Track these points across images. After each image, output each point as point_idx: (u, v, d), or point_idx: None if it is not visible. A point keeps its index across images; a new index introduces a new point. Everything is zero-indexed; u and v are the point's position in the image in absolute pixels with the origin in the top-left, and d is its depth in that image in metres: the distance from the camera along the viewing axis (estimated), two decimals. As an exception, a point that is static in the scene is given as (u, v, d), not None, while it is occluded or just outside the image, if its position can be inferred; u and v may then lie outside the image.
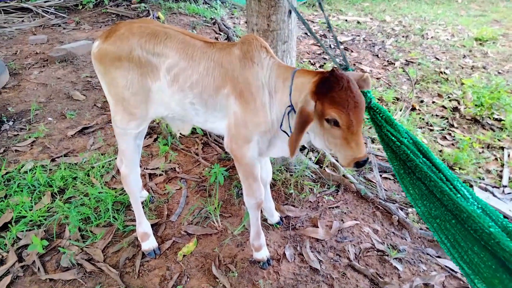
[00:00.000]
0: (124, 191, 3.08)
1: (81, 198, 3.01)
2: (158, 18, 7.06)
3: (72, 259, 2.52)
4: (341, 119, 1.61)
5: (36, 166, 3.35)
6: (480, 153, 4.05)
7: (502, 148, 4.13)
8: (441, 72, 6.16)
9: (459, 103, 5.13)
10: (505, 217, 1.64)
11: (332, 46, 7.37)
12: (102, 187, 3.12)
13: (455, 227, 1.47)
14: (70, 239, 2.69)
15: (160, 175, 3.38)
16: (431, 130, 4.48)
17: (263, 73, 1.94)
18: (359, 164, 1.68)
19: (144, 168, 3.40)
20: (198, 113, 2.13)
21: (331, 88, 1.60)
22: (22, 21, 7.16)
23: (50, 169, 3.37)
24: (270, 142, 2.11)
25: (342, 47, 7.37)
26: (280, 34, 2.67)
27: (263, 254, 2.49)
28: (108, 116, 4.29)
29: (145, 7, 7.76)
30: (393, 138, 1.72)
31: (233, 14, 8.79)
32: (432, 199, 1.57)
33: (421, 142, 1.69)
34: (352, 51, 7.14)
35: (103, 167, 3.41)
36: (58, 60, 5.54)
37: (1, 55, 5.73)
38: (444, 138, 4.37)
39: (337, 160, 3.51)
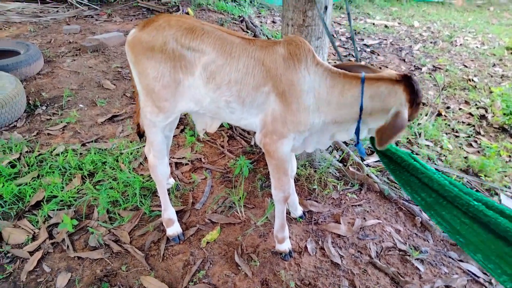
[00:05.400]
0: (151, 177, 3.17)
1: (110, 182, 3.11)
2: (187, 13, 7.19)
3: (100, 239, 2.61)
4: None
5: (67, 150, 3.47)
6: (507, 161, 3.99)
7: (530, 158, 4.06)
8: (469, 80, 6.08)
9: (486, 111, 5.06)
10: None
11: (359, 49, 7.35)
12: (130, 172, 3.22)
13: (446, 206, 1.77)
14: (98, 220, 2.78)
15: (186, 164, 3.46)
16: (457, 136, 4.43)
17: (310, 79, 1.95)
18: None
19: (171, 157, 3.48)
20: (234, 111, 2.12)
21: (418, 95, 1.81)
22: (57, 11, 7.41)
23: (81, 153, 3.48)
24: (305, 139, 2.16)
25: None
26: (314, 29, 2.69)
27: (285, 246, 2.53)
28: (137, 106, 4.40)
29: (175, 2, 7.90)
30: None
31: (260, 13, 8.86)
32: (426, 188, 1.85)
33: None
34: (378, 55, 7.11)
35: (131, 153, 3.51)
36: (90, 49, 5.71)
37: (36, 43, 5.94)
38: (470, 145, 4.32)
39: (362, 159, 3.52)
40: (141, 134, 2.66)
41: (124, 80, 5.02)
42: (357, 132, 2.04)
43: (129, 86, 4.86)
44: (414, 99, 1.80)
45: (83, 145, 3.64)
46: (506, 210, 1.55)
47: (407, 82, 1.81)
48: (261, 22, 8.16)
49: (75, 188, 3.05)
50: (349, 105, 1.96)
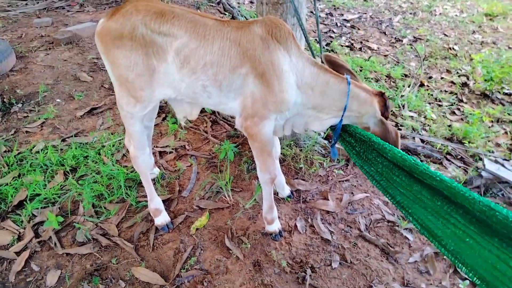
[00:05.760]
0: (135, 168, 3.12)
1: (93, 176, 3.05)
2: (162, -2, 7.00)
3: (88, 234, 2.57)
4: None
5: (47, 146, 3.37)
6: (489, 127, 4.03)
7: (512, 122, 4.11)
8: (450, 48, 6.09)
9: (468, 79, 5.09)
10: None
11: (339, 24, 7.28)
12: (113, 165, 3.15)
13: (399, 175, 1.79)
14: (84, 215, 2.73)
15: (170, 152, 3.41)
16: (440, 105, 4.45)
17: (291, 60, 1.96)
18: None
19: (154, 146, 3.43)
20: (211, 96, 2.07)
21: (387, 110, 2.05)
22: (26, 4, 7.14)
23: (61, 149, 3.40)
24: (286, 121, 2.16)
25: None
26: (290, 7, 2.62)
27: (275, 226, 2.53)
28: (116, 97, 4.30)
29: (148, -12, 7.67)
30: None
31: (237, -6, 8.67)
32: (381, 158, 1.90)
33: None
34: (358, 29, 7.06)
35: (113, 146, 3.44)
36: (63, 42, 5.53)
37: (7, 39, 5.72)
38: (453, 113, 4.34)
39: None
40: None
41: (101, 71, 4.88)
42: (336, 133, 2.17)
43: (106, 77, 4.73)
44: (384, 112, 2.03)
45: (63, 140, 3.55)
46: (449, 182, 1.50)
47: (381, 97, 2.04)
48: (238, 3, 8.00)
49: (58, 184, 2.98)
50: (332, 96, 2.04)
